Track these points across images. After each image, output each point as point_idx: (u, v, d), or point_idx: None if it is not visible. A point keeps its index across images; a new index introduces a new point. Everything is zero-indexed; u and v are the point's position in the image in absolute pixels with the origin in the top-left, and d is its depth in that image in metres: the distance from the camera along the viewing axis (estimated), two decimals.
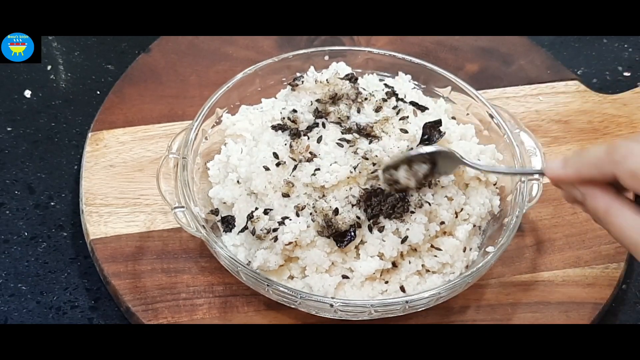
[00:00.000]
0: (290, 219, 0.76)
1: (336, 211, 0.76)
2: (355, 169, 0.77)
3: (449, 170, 0.77)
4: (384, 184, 0.77)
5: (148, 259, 0.84)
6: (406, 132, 0.80)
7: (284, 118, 0.83)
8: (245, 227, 0.78)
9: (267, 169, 0.79)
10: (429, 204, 0.77)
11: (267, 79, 0.91)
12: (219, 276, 0.82)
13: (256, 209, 0.78)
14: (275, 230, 0.76)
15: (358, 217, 0.76)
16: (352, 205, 0.77)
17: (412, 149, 0.79)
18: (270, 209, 0.78)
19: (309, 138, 0.80)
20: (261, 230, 0.76)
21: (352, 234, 0.76)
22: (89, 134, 0.94)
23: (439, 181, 0.79)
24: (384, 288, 0.78)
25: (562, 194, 0.67)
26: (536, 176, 0.82)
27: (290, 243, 0.75)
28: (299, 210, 0.77)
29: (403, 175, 0.76)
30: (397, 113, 0.83)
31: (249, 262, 0.78)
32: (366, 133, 0.81)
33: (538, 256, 0.86)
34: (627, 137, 0.61)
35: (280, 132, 0.82)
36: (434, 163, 0.76)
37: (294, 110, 0.83)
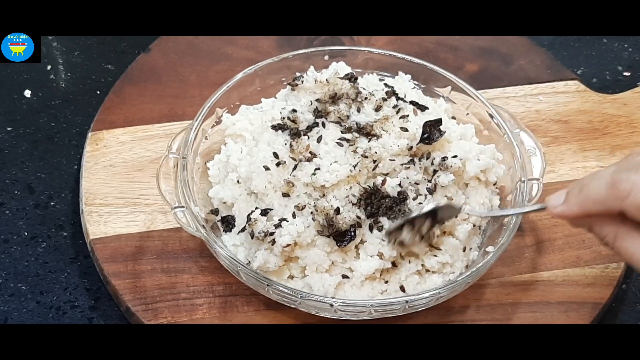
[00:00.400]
0: (287, 221, 0.76)
1: (337, 210, 0.76)
2: (355, 167, 0.77)
3: (451, 216, 0.78)
4: (391, 248, 0.77)
5: (148, 259, 0.84)
6: (406, 130, 0.80)
7: (283, 118, 0.83)
8: (245, 228, 0.78)
9: (267, 168, 0.79)
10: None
11: (267, 78, 0.91)
12: (219, 276, 0.82)
13: (255, 209, 0.78)
14: (272, 233, 0.76)
15: (358, 217, 0.76)
16: (352, 205, 0.77)
17: (411, 147, 0.79)
18: (270, 209, 0.78)
19: (309, 138, 0.80)
20: (259, 232, 0.76)
21: (352, 233, 0.76)
22: (89, 134, 0.94)
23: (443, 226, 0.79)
24: (383, 288, 0.78)
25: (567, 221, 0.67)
26: (537, 173, 0.82)
27: (288, 245, 0.75)
28: (298, 209, 0.77)
29: (407, 237, 0.76)
30: (397, 112, 0.83)
31: (249, 262, 0.78)
32: (366, 132, 0.81)
33: (538, 256, 0.86)
34: (627, 166, 0.61)
35: (280, 131, 0.82)
36: (435, 215, 0.76)
37: (294, 110, 0.83)
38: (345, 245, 0.76)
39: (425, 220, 0.76)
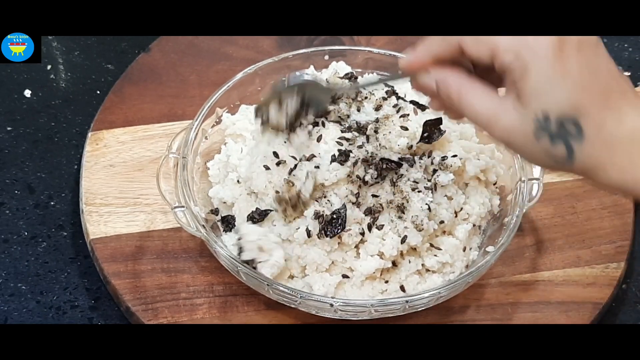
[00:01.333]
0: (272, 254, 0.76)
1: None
2: (355, 166, 0.77)
3: (321, 104, 0.77)
4: (258, 125, 0.76)
5: (148, 259, 0.84)
6: (406, 129, 0.80)
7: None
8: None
9: (267, 168, 0.79)
10: (428, 207, 0.77)
11: (267, 78, 0.91)
12: (219, 276, 0.82)
13: (255, 210, 0.78)
14: (254, 264, 0.76)
15: (349, 197, 0.77)
16: (352, 204, 0.77)
17: (411, 146, 0.79)
18: (269, 210, 0.78)
19: (310, 134, 0.80)
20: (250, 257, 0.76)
21: (340, 220, 0.75)
22: (89, 134, 0.94)
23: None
24: (384, 287, 0.78)
25: (413, 85, 0.67)
26: (537, 173, 0.82)
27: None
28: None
29: (273, 114, 0.76)
30: (397, 111, 0.83)
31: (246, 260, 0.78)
32: (366, 131, 0.81)
33: (538, 256, 0.86)
34: None
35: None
36: (304, 102, 0.75)
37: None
38: (335, 234, 0.75)
39: (293, 101, 0.75)
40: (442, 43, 0.63)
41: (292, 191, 0.76)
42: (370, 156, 0.78)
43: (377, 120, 0.81)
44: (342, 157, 0.78)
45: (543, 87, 0.57)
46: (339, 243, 0.77)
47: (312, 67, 0.89)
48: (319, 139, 0.80)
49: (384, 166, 0.77)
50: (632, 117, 0.58)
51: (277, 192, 0.77)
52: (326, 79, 0.85)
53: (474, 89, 0.62)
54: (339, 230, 0.76)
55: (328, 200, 0.77)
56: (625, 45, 1.14)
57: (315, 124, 0.82)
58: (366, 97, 0.84)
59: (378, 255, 0.77)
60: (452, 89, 0.62)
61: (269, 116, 0.76)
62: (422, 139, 0.80)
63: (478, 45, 0.60)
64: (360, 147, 0.79)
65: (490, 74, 0.62)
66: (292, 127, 0.78)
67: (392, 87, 0.87)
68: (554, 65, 0.57)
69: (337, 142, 0.80)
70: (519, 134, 0.59)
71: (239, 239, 0.77)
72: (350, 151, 0.78)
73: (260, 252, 0.76)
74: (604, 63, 0.60)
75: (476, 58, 0.61)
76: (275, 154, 0.79)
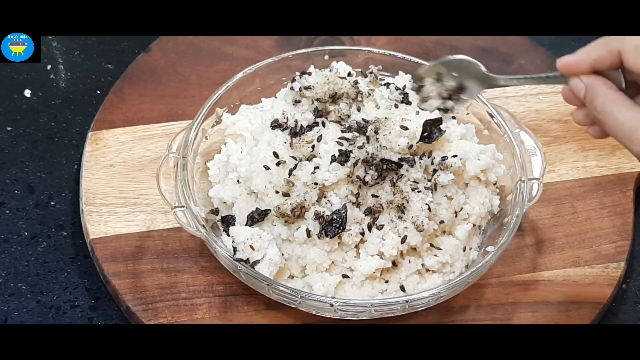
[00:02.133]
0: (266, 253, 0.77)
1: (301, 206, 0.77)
2: (355, 166, 0.77)
3: (473, 94, 0.81)
4: (413, 90, 0.81)
5: (148, 259, 0.84)
6: (406, 129, 0.80)
7: (285, 117, 0.83)
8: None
9: (267, 168, 0.79)
10: (428, 207, 0.77)
11: (267, 78, 0.91)
12: (219, 276, 0.82)
13: (255, 211, 0.78)
14: (251, 263, 0.76)
15: (349, 196, 0.77)
16: (353, 204, 0.77)
17: (411, 146, 0.79)
18: (268, 210, 0.78)
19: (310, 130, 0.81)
20: (243, 257, 0.76)
21: (340, 220, 0.76)
22: (89, 134, 0.94)
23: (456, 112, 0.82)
24: (384, 287, 0.78)
25: (562, 93, 0.70)
26: (537, 173, 0.83)
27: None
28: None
29: (429, 85, 0.79)
30: (396, 107, 0.83)
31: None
32: (366, 131, 0.81)
33: (538, 256, 0.86)
34: None
35: (279, 130, 0.82)
36: (462, 87, 0.80)
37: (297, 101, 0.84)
38: (335, 234, 0.75)
39: (451, 81, 0.80)
40: (602, 48, 0.64)
41: (294, 203, 0.76)
42: (371, 157, 0.78)
43: (377, 120, 0.81)
44: (342, 157, 0.78)
45: None
46: (339, 243, 0.77)
47: (312, 66, 0.89)
48: (319, 139, 0.80)
49: (384, 167, 0.77)
50: None
51: (278, 207, 0.77)
52: (327, 78, 0.85)
53: (620, 100, 0.63)
54: (339, 230, 0.76)
55: (328, 200, 0.77)
56: None
57: (315, 124, 0.82)
58: (369, 94, 0.84)
59: (378, 255, 0.77)
60: (598, 96, 0.64)
61: (425, 84, 0.80)
62: (421, 138, 0.80)
63: (638, 53, 0.61)
64: (360, 147, 0.79)
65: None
66: (443, 99, 0.81)
67: (394, 84, 0.87)
68: None
69: (337, 142, 0.80)
70: None
71: (233, 241, 0.77)
72: (351, 151, 0.78)
73: (253, 252, 0.76)
74: None
75: (633, 67, 0.62)
76: (275, 154, 0.79)
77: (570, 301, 0.82)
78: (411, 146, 0.80)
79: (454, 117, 0.89)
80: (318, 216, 0.76)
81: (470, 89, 0.81)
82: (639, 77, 0.63)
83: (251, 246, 0.76)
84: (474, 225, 0.82)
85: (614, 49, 0.63)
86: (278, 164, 0.79)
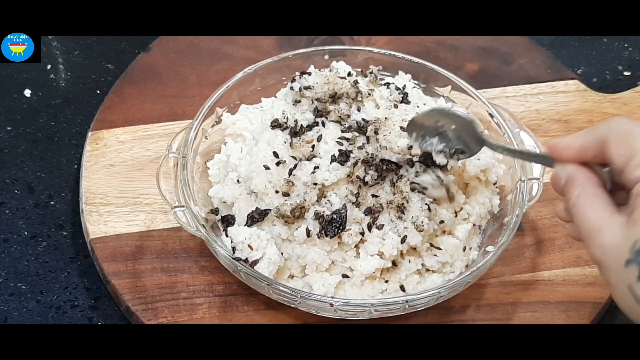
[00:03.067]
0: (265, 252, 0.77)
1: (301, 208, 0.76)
2: (355, 166, 0.77)
3: (468, 151, 0.76)
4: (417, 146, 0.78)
5: (148, 259, 0.84)
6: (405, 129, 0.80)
7: (285, 117, 0.83)
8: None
9: (267, 168, 0.79)
10: (428, 207, 0.77)
11: (267, 78, 0.91)
12: (219, 275, 0.82)
13: (255, 210, 0.78)
14: (250, 263, 0.76)
15: (349, 197, 0.77)
16: (352, 204, 0.77)
17: (411, 146, 0.79)
18: (268, 210, 0.78)
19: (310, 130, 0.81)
20: (242, 257, 0.76)
21: (340, 220, 0.75)
22: (89, 133, 0.94)
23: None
24: (384, 287, 0.78)
25: (550, 178, 0.65)
26: (537, 173, 0.82)
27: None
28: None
29: (431, 139, 0.76)
30: (396, 107, 0.83)
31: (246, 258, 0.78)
32: (366, 131, 0.81)
33: (538, 255, 0.86)
34: None
35: (279, 130, 0.82)
36: (452, 152, 0.76)
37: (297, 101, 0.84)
38: (335, 234, 0.75)
39: (438, 141, 0.76)
40: (590, 134, 0.60)
41: (294, 204, 0.76)
42: (371, 157, 0.78)
43: (377, 120, 0.81)
44: (342, 157, 0.78)
45: None
46: (338, 243, 0.77)
47: (312, 66, 0.89)
48: (319, 139, 0.80)
49: (384, 167, 0.77)
50: None
51: (277, 209, 0.77)
52: (327, 78, 0.85)
53: (595, 196, 0.58)
54: (339, 230, 0.76)
55: (328, 200, 0.77)
56: (625, 45, 1.14)
57: (315, 124, 0.82)
58: (369, 94, 0.84)
59: (378, 255, 0.77)
60: (575, 187, 0.60)
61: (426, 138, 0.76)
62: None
63: (621, 146, 0.57)
64: (360, 147, 0.79)
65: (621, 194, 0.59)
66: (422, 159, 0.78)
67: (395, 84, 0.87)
68: None
69: (337, 142, 0.80)
70: (613, 256, 0.55)
71: (231, 241, 0.77)
72: (351, 151, 0.78)
73: (251, 251, 0.76)
74: None
75: (614, 158, 0.57)
76: (275, 154, 0.79)
77: (570, 301, 0.82)
78: (411, 147, 0.80)
79: None
80: (318, 216, 0.76)
81: (464, 146, 0.76)
82: (619, 172, 0.58)
83: (249, 245, 0.76)
84: (474, 225, 0.82)
85: (601, 135, 0.59)
86: (278, 163, 0.79)
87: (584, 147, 0.61)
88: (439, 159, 0.77)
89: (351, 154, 0.78)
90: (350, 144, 0.80)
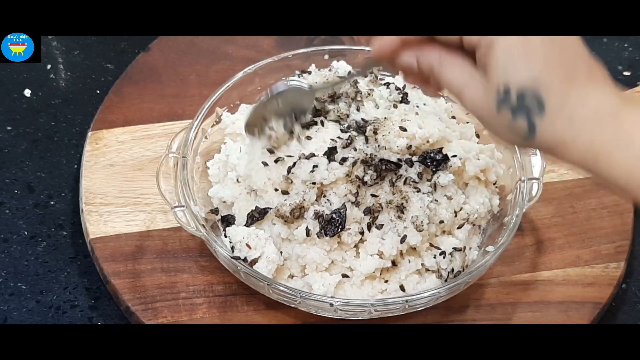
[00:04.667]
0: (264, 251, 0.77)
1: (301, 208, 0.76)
2: (353, 166, 0.77)
3: (306, 107, 0.78)
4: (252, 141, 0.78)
5: (148, 258, 0.84)
6: (405, 130, 0.80)
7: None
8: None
9: (265, 164, 0.78)
10: (428, 207, 0.77)
11: (267, 78, 0.91)
12: (219, 275, 0.82)
13: (255, 209, 0.78)
14: (249, 262, 0.76)
15: (348, 196, 0.77)
16: (352, 203, 0.77)
17: (410, 146, 0.79)
18: (269, 208, 0.78)
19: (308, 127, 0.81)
20: (240, 256, 0.77)
21: (339, 219, 0.75)
22: (89, 133, 0.94)
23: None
24: (383, 287, 0.78)
25: (389, 67, 0.69)
26: (537, 172, 0.82)
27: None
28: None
29: (267, 130, 0.77)
30: (395, 107, 0.83)
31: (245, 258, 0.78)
32: (365, 131, 0.81)
33: (538, 255, 0.86)
34: None
35: None
36: (290, 111, 0.77)
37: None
38: (334, 234, 0.75)
39: (280, 112, 0.76)
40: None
41: (293, 204, 0.76)
42: (370, 157, 0.78)
43: (376, 121, 0.81)
44: (333, 153, 0.78)
45: (505, 61, 0.59)
46: (338, 242, 0.77)
47: (313, 65, 0.89)
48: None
49: (383, 167, 0.77)
50: (596, 95, 0.58)
51: (277, 209, 0.77)
52: (326, 78, 0.85)
53: (454, 59, 0.63)
54: (339, 230, 0.76)
55: (327, 199, 0.77)
56: (625, 45, 1.14)
57: (314, 124, 0.82)
58: (368, 94, 0.84)
59: (378, 254, 0.77)
60: (434, 60, 0.64)
61: (264, 133, 0.77)
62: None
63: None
64: (349, 145, 0.78)
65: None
66: (291, 135, 0.79)
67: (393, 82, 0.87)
68: (518, 41, 0.59)
69: (331, 139, 0.79)
70: (484, 107, 0.60)
71: (230, 241, 0.77)
72: (344, 147, 0.78)
73: (250, 250, 0.76)
74: (572, 45, 0.62)
75: (445, 38, 0.63)
76: (271, 151, 0.79)
77: (570, 301, 0.82)
78: (410, 147, 0.80)
79: (453, 117, 0.89)
80: (317, 215, 0.76)
81: (300, 108, 0.77)
82: (450, 43, 0.64)
83: (247, 244, 0.76)
84: (473, 225, 0.82)
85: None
86: (276, 160, 0.79)
87: (407, 38, 0.66)
88: (298, 130, 0.79)
89: (344, 150, 0.78)
90: (348, 143, 0.79)
